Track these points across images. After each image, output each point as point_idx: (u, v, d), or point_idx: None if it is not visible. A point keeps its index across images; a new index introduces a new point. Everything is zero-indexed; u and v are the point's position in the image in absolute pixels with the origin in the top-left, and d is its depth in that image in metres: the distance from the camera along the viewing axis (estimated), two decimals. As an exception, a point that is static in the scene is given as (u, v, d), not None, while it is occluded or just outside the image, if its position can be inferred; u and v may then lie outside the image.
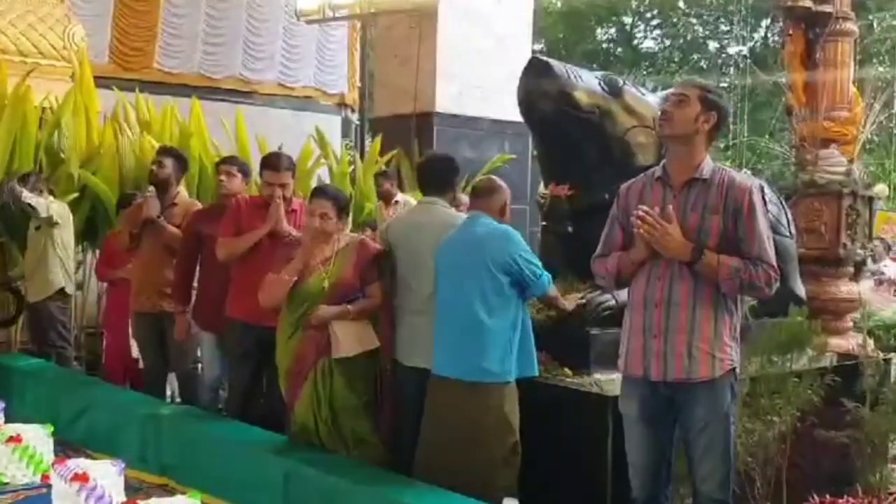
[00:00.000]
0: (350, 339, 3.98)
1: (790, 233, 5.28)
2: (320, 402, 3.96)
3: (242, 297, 4.46)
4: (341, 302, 3.98)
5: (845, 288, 6.45)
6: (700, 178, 3.16)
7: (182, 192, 5.45)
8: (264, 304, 4.08)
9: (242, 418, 4.48)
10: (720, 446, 3.16)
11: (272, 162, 4.67)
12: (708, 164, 3.19)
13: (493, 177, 4.19)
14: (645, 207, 3.11)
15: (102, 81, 8.30)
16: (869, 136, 7.65)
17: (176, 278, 5.09)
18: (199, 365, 5.34)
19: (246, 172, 5.13)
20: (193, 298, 5.09)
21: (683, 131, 3.15)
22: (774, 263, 3.12)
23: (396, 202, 7.52)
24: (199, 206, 5.44)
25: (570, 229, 4.47)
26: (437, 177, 4.38)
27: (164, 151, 5.50)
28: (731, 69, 20.37)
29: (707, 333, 3.10)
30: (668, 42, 25.24)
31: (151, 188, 5.28)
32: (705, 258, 3.06)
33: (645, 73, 23.01)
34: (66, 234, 6.32)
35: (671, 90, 3.30)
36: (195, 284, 5.12)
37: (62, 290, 6.25)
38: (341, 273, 4.02)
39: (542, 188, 4.73)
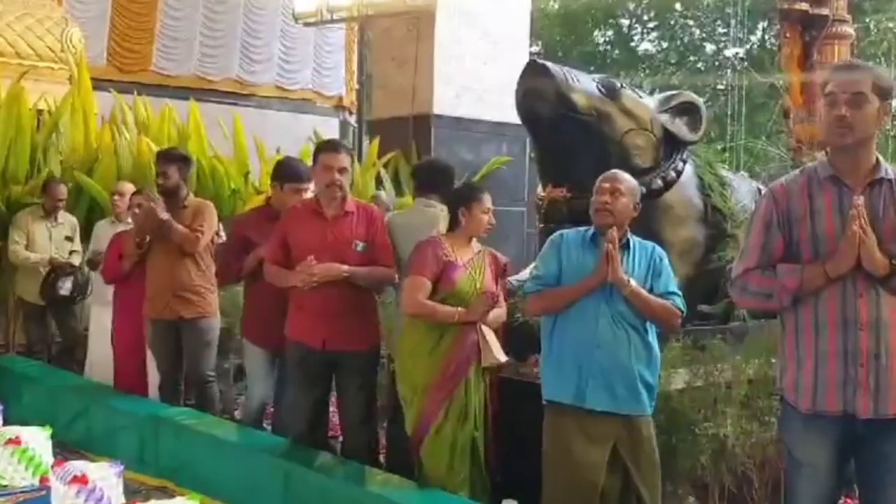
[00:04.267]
0: (497, 346, 3.74)
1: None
2: (467, 417, 3.68)
3: (302, 316, 4.08)
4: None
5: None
6: (886, 177, 2.72)
7: (190, 194, 5.22)
8: (411, 312, 3.74)
9: (310, 445, 4.06)
10: None
11: (330, 144, 4.28)
12: (883, 162, 2.76)
13: None
14: (860, 202, 2.62)
15: (100, 84, 8.31)
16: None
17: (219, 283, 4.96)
18: (215, 375, 5.19)
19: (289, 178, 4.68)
20: (242, 310, 4.86)
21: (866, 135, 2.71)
22: None
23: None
24: (210, 204, 5.21)
25: (568, 231, 4.47)
26: (435, 179, 4.41)
27: (166, 159, 5.14)
28: (728, 71, 20.37)
29: None
30: (665, 44, 25.25)
31: (158, 197, 5.04)
32: None
33: (642, 75, 23.02)
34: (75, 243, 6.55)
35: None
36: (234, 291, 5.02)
37: None
38: (486, 280, 3.80)
39: (539, 190, 4.72)
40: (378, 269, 4.06)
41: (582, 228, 3.46)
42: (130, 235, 5.22)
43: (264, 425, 4.82)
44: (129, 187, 6.32)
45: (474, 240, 3.91)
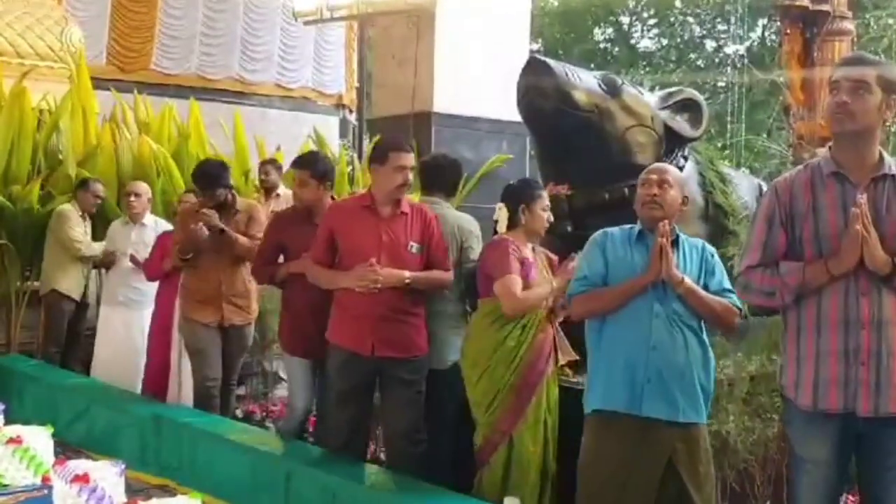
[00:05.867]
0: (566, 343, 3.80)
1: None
2: (546, 420, 3.66)
3: (348, 320, 3.87)
4: None
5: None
6: (889, 173, 2.69)
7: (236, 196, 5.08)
8: (522, 308, 3.63)
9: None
10: None
11: (398, 142, 3.96)
12: (887, 157, 2.73)
13: None
14: (864, 200, 2.59)
15: (100, 83, 8.30)
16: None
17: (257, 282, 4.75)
18: (235, 382, 5.16)
19: (322, 176, 4.35)
20: (279, 320, 4.65)
21: (866, 124, 2.68)
22: None
23: (278, 195, 7.01)
24: (258, 205, 5.11)
25: (568, 229, 4.47)
26: (441, 177, 4.38)
27: (215, 183, 4.87)
28: (729, 68, 20.35)
29: None
30: (665, 41, 25.25)
31: (212, 212, 4.83)
32: None
33: (642, 72, 23.01)
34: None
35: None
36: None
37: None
38: (551, 278, 3.83)
39: (541, 188, 4.72)
40: (436, 274, 3.91)
41: (626, 226, 3.26)
42: (182, 233, 5.02)
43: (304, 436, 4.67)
44: (143, 187, 6.30)
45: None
